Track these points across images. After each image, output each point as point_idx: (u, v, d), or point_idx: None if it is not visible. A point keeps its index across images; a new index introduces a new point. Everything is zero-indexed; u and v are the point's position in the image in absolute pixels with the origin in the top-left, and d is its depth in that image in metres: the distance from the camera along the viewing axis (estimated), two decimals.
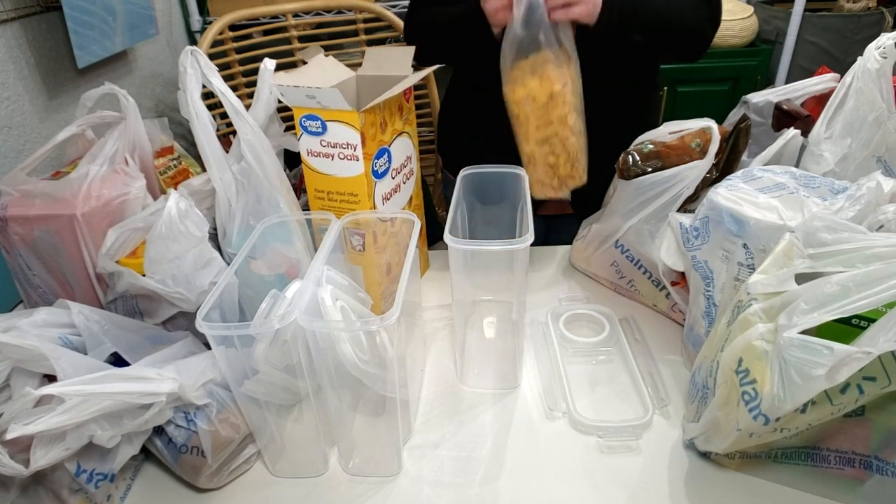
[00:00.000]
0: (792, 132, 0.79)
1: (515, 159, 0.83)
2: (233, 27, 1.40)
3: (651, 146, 0.79)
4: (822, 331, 0.48)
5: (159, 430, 0.58)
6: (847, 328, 0.51)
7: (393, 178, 0.79)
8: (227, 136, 1.43)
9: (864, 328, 0.49)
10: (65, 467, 0.53)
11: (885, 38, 0.74)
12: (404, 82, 0.74)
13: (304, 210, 0.79)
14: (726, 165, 0.76)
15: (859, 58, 0.76)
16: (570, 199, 0.90)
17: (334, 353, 0.54)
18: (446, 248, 0.68)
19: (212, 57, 1.13)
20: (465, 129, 1.09)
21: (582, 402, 0.69)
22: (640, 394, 0.69)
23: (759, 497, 0.58)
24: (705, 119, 0.79)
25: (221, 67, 1.39)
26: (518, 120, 0.83)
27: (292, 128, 0.74)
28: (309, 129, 0.71)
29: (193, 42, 1.63)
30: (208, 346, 0.58)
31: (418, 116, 1.23)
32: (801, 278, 0.52)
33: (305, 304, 0.53)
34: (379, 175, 0.75)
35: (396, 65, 0.82)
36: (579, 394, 0.70)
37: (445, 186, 1.19)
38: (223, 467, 0.60)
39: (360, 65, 0.86)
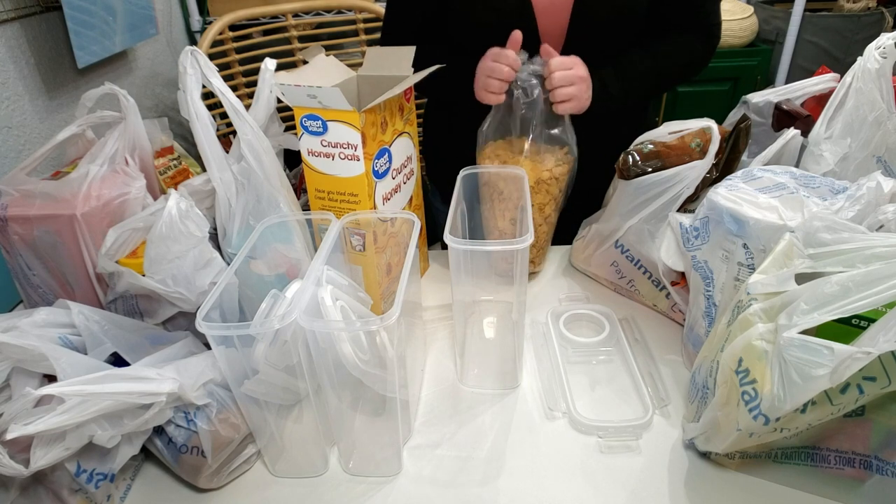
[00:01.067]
0: (792, 132, 0.79)
1: None
2: (233, 27, 1.40)
3: (651, 146, 0.79)
4: (822, 331, 0.48)
5: (159, 430, 0.58)
6: (847, 328, 0.51)
7: (393, 179, 0.79)
8: (227, 136, 1.43)
9: (864, 328, 0.49)
10: (65, 467, 0.53)
11: (885, 38, 0.74)
12: (405, 82, 0.74)
13: (304, 210, 0.79)
14: (726, 165, 0.76)
15: (859, 58, 0.76)
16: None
17: (334, 353, 0.54)
18: (446, 248, 0.68)
19: (212, 57, 1.14)
20: (450, 136, 1.08)
21: (582, 402, 0.69)
22: (640, 394, 0.69)
23: (759, 497, 0.58)
24: (705, 119, 0.79)
25: (221, 67, 1.39)
26: (501, 195, 0.85)
27: (292, 128, 0.75)
28: (310, 128, 0.71)
29: (193, 42, 1.63)
30: (208, 346, 0.58)
31: (418, 117, 1.23)
32: (801, 278, 0.52)
33: (305, 304, 0.53)
34: (379, 175, 0.75)
35: (397, 65, 0.82)
36: (579, 394, 0.70)
37: (432, 194, 1.18)
38: (223, 467, 0.60)
39: (360, 65, 0.86)
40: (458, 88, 0.88)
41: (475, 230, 0.88)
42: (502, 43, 0.86)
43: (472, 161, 0.86)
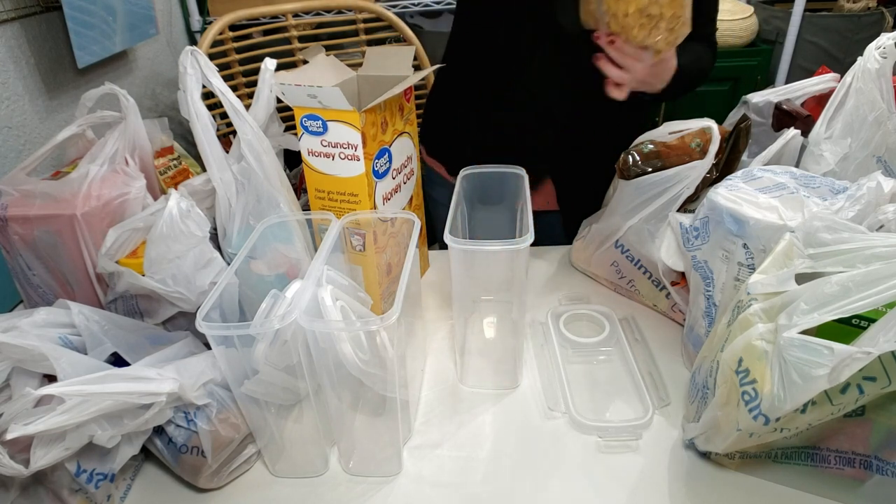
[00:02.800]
0: (792, 132, 0.79)
1: (500, 150, 0.82)
2: (233, 27, 1.40)
3: (651, 146, 0.79)
4: (822, 331, 0.48)
5: (159, 430, 0.58)
6: (847, 328, 0.51)
7: (393, 179, 0.79)
8: (227, 136, 1.43)
9: (864, 328, 0.49)
10: (65, 467, 0.53)
11: (885, 38, 0.74)
12: (405, 82, 0.74)
13: (304, 210, 0.79)
14: (726, 165, 0.76)
15: (859, 58, 0.76)
16: (558, 195, 0.89)
17: (334, 353, 0.54)
18: (446, 248, 0.68)
19: (212, 57, 1.13)
20: (451, 118, 1.07)
21: (582, 402, 0.69)
22: (640, 394, 0.69)
23: (759, 497, 0.58)
24: (705, 119, 0.79)
25: (221, 67, 1.39)
26: None
27: (292, 128, 0.74)
28: (310, 128, 0.71)
29: (193, 42, 1.63)
30: (208, 346, 0.58)
31: (418, 116, 1.23)
32: (801, 278, 0.52)
33: (305, 304, 0.53)
34: (379, 175, 0.75)
35: (397, 65, 0.82)
36: (579, 394, 0.70)
37: (430, 185, 1.17)
38: (223, 467, 0.60)
39: (360, 65, 0.86)
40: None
41: (475, 230, 0.88)
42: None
43: (474, 143, 0.84)
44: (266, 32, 1.44)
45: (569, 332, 0.78)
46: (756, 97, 0.92)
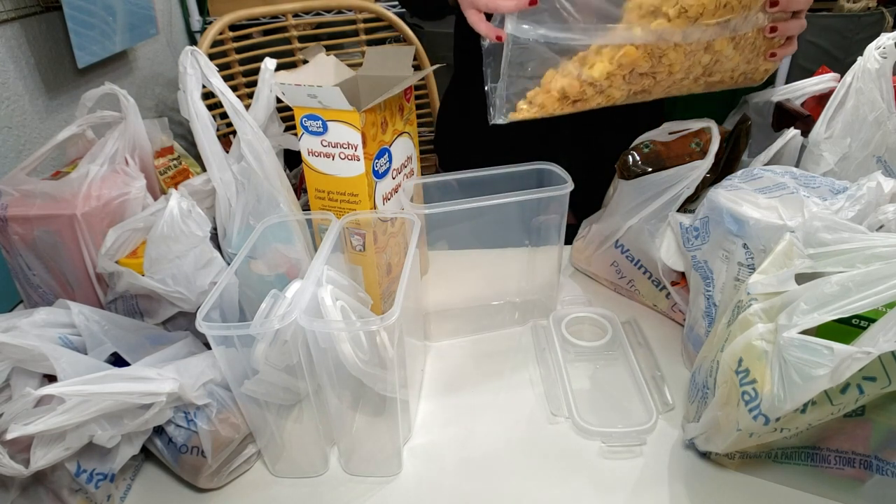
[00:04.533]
0: (792, 132, 0.79)
1: (513, 160, 0.82)
2: (233, 27, 1.40)
3: (651, 146, 0.79)
4: (822, 331, 0.48)
5: (159, 430, 0.58)
6: (847, 328, 0.51)
7: (394, 179, 0.79)
8: (227, 136, 1.43)
9: (864, 328, 0.49)
10: (65, 467, 0.53)
11: (885, 38, 0.74)
12: (404, 82, 0.74)
13: (304, 210, 0.79)
14: (726, 165, 0.76)
15: (859, 58, 0.76)
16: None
17: (334, 353, 0.54)
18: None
19: (212, 57, 1.14)
20: (464, 128, 1.08)
21: (584, 407, 0.68)
22: (644, 399, 0.69)
23: (759, 497, 0.58)
24: (705, 119, 0.79)
25: (221, 67, 1.39)
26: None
27: (292, 127, 0.74)
28: (310, 128, 0.71)
29: (193, 42, 1.63)
30: (208, 346, 0.58)
31: (418, 116, 1.23)
32: (801, 278, 0.52)
33: (305, 304, 0.53)
34: (380, 175, 0.75)
35: (396, 65, 0.82)
36: (582, 398, 0.70)
37: None
38: (223, 467, 0.60)
39: (360, 65, 0.86)
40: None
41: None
42: None
43: (488, 149, 0.84)
44: (266, 32, 1.44)
45: (571, 336, 0.78)
46: (756, 97, 0.92)
